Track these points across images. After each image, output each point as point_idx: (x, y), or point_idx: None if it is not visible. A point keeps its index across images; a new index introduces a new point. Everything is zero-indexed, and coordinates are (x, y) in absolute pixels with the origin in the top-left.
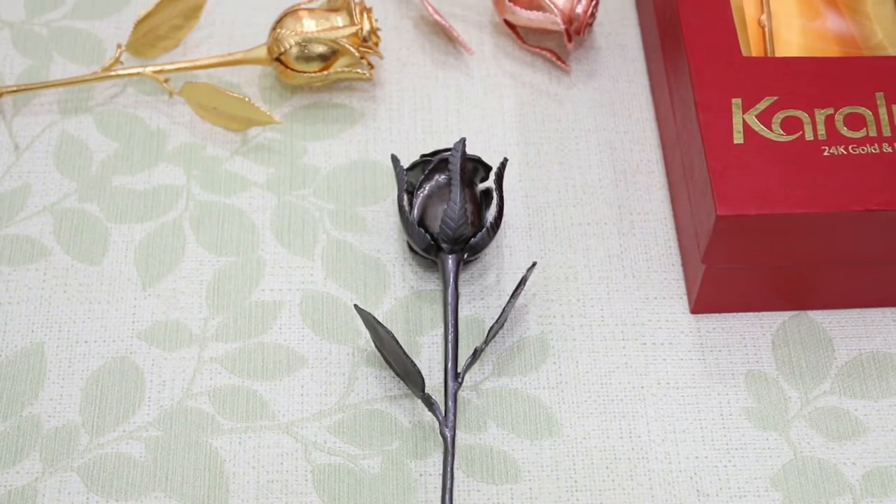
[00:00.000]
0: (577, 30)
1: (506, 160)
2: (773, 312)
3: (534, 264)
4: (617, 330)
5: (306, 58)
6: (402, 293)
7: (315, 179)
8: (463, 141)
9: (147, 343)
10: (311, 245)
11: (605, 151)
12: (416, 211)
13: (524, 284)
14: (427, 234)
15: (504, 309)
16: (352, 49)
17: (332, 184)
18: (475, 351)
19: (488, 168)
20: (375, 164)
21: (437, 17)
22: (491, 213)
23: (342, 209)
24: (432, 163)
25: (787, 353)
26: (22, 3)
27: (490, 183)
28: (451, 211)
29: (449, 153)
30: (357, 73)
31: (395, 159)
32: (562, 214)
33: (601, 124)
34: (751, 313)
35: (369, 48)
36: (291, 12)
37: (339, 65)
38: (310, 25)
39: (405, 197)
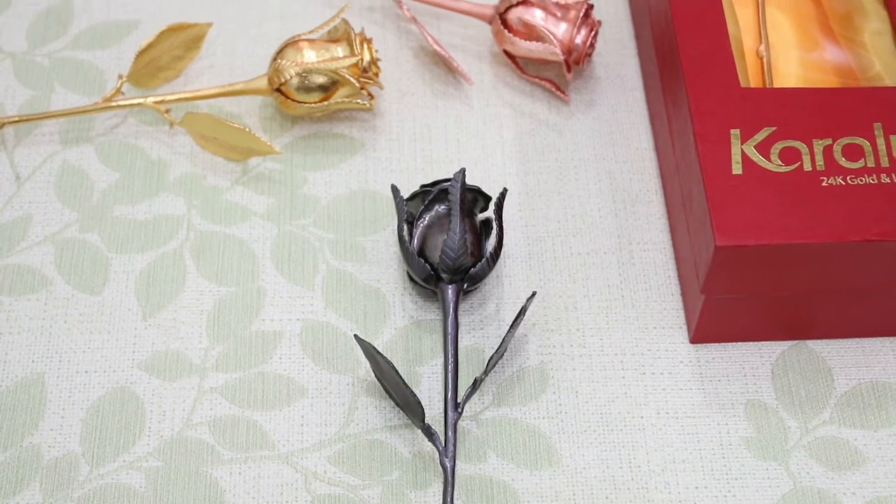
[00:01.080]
0: (577, 60)
1: (505, 190)
2: (773, 342)
3: (533, 294)
4: (616, 360)
5: (307, 88)
6: (402, 323)
7: (315, 209)
8: (462, 171)
9: (147, 373)
10: (311, 275)
11: (605, 181)
12: (415, 241)
13: (524, 314)
14: (427, 264)
15: (504, 339)
16: (352, 80)
17: (332, 214)
18: (475, 381)
19: (488, 198)
20: (375, 193)
21: (436, 47)
22: (490, 243)
23: (342, 239)
24: (432, 193)
25: (787, 383)
26: (24, 33)
27: (490, 213)
28: (451, 241)
29: (448, 183)
30: (357, 103)
31: (394, 189)
32: (561, 244)
33: (600, 154)
34: (750, 343)
35: (369, 79)
36: (292, 43)
37: (339, 95)
38: (310, 56)
39: (405, 227)
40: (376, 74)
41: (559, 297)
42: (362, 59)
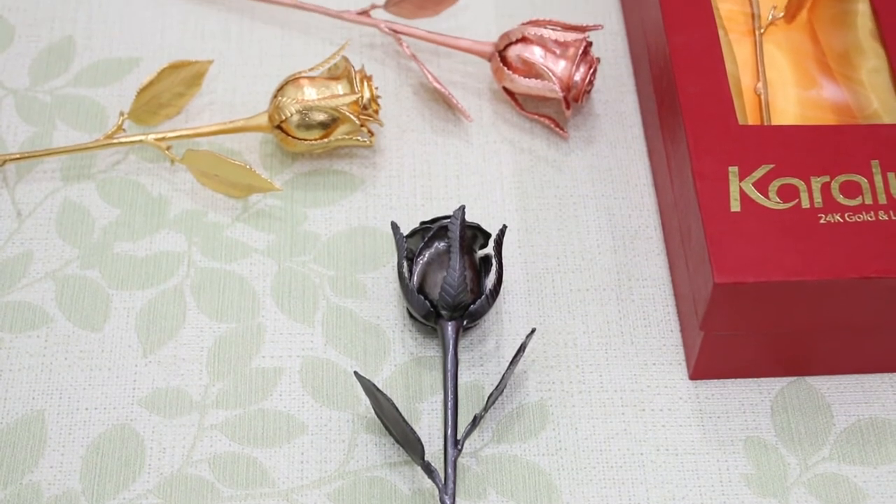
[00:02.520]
0: (576, 97)
1: (504, 227)
2: (772, 378)
3: (532, 331)
4: (616, 396)
5: (307, 125)
6: (402, 360)
7: (315, 246)
8: (462, 209)
9: (148, 410)
10: (311, 311)
11: (604, 217)
12: (415, 278)
13: (523, 351)
14: (427, 301)
15: (503, 375)
16: (352, 117)
17: (332, 250)
18: (475, 418)
19: (487, 235)
20: (375, 230)
21: (436, 84)
22: (490, 280)
23: (342, 276)
24: (432, 230)
25: (786, 420)
26: (26, 70)
27: (489, 250)
28: (451, 278)
29: (448, 220)
30: (357, 140)
31: (394, 226)
32: (561, 280)
33: (599, 190)
34: (749, 379)
35: (369, 115)
36: (292, 80)
37: (339, 132)
38: (311, 93)
39: (405, 264)
40: (376, 111)
41: (559, 333)
42: (362, 97)
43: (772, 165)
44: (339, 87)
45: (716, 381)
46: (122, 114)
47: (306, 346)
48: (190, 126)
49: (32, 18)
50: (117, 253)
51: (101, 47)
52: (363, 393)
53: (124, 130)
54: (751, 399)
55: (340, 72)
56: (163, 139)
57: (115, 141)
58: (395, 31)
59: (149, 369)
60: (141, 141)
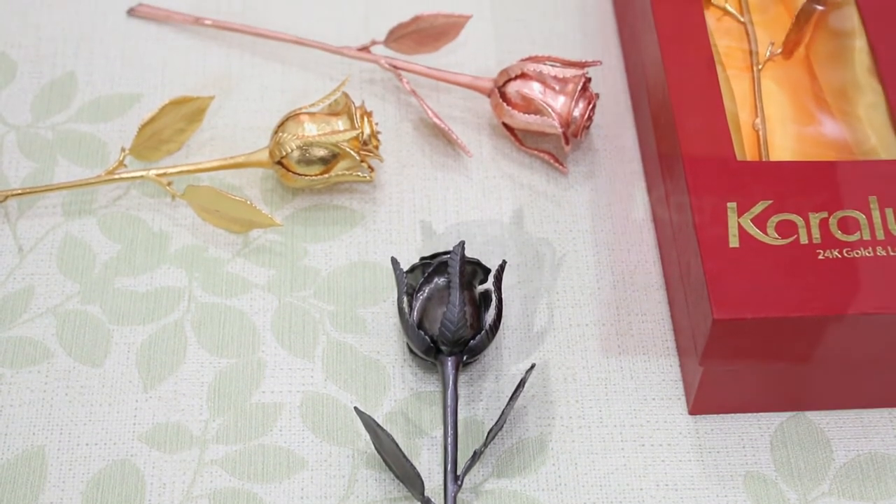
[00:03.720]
0: (575, 133)
1: (504, 263)
2: (771, 413)
3: (532, 366)
4: (616, 431)
5: (307, 161)
6: (402, 395)
7: (315, 281)
8: (462, 244)
9: (148, 445)
10: (311, 346)
11: (603, 252)
12: (415, 313)
13: (523, 386)
14: (426, 337)
15: (503, 411)
16: (352, 153)
17: (332, 285)
18: (475, 453)
19: (487, 270)
20: (375, 265)
21: (436, 119)
22: (490, 315)
23: (342, 311)
24: (432, 265)
25: (786, 454)
26: (28, 106)
27: (489, 285)
28: (451, 314)
29: (448, 256)
30: (357, 175)
31: (395, 262)
32: (560, 315)
33: (598, 226)
34: (749, 414)
35: (370, 151)
36: (293, 116)
37: (339, 168)
38: (311, 129)
39: (405, 299)
40: (376, 147)
41: (558, 368)
42: (362, 133)
43: (770, 201)
44: (340, 123)
45: (715, 415)
46: (123, 149)
47: (306, 382)
48: (191, 161)
49: (35, 55)
50: (118, 288)
51: (102, 83)
52: (363, 428)
53: (125, 166)
54: (750, 434)
55: (341, 108)
56: (164, 174)
57: (116, 176)
58: (396, 67)
59: (149, 404)
60: (142, 176)
